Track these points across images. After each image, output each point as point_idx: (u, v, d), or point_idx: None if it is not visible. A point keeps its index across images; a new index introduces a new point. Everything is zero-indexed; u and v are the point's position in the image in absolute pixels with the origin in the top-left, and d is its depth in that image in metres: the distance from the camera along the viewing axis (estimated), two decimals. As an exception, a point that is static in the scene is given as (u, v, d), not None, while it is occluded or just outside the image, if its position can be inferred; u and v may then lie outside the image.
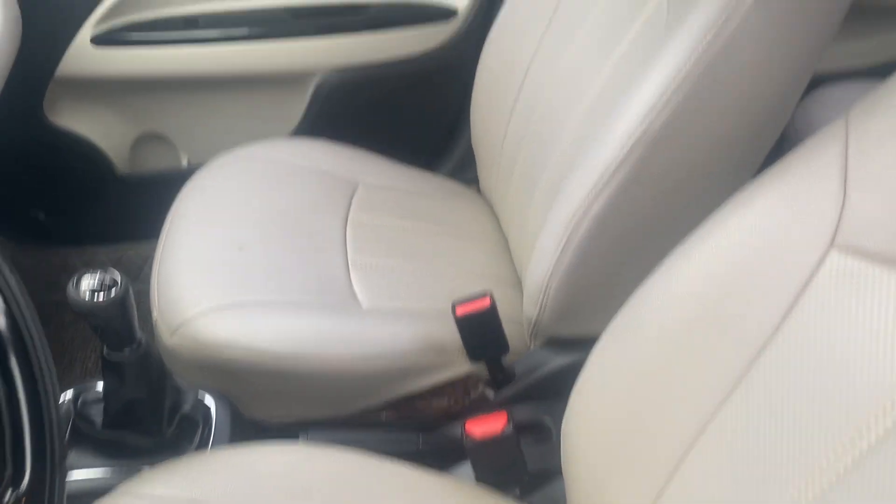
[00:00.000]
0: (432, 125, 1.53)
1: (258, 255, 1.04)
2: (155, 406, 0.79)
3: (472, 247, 1.19)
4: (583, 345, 0.72)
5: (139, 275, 1.59)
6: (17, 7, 1.21)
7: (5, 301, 0.49)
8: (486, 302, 0.91)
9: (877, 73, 1.52)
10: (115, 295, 0.70)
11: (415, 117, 1.52)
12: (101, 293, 0.70)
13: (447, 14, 1.40)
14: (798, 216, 0.50)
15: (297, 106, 1.45)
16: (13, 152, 1.37)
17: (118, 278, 0.71)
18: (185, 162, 1.53)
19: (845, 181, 0.48)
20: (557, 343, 0.95)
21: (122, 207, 1.52)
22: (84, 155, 1.44)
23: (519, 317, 0.98)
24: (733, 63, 0.75)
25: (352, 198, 1.20)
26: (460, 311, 0.92)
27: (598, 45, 0.98)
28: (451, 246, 1.17)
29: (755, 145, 0.83)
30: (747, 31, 0.74)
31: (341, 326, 0.95)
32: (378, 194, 1.23)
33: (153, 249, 1.56)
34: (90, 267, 0.74)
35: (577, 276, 0.85)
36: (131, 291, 0.72)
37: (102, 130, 1.45)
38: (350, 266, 1.07)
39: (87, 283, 0.70)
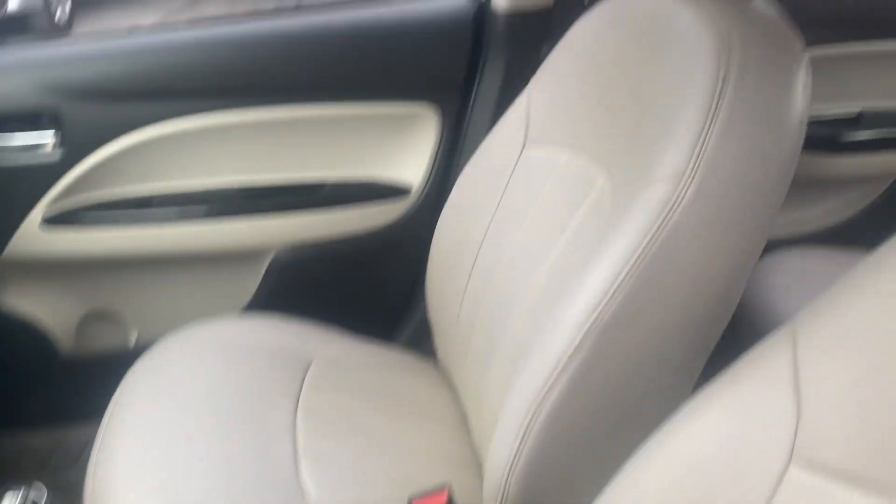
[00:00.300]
0: (388, 297, 1.53)
1: (202, 448, 0.98)
2: None
3: (429, 426, 1.15)
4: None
5: (79, 458, 1.50)
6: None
7: None
8: (443, 497, 0.87)
9: (819, 237, 1.60)
10: (37, 515, 0.64)
11: (370, 290, 1.52)
12: (24, 514, 0.64)
13: (401, 191, 1.43)
14: (755, 429, 0.48)
15: (251, 282, 1.45)
16: None
17: (44, 496, 0.66)
18: (133, 339, 1.49)
19: (798, 394, 0.47)
20: None
21: (65, 389, 1.46)
22: (27, 336, 1.40)
23: (479, 502, 0.93)
24: (679, 251, 0.77)
25: (304, 377, 1.17)
26: (416, 506, 0.87)
27: (546, 228, 1.00)
28: (408, 427, 1.13)
29: (709, 325, 0.84)
30: (690, 221, 0.76)
31: None
32: (332, 371, 1.20)
33: (94, 433, 1.50)
34: (19, 480, 0.69)
35: (538, 469, 0.82)
36: None
37: (48, 310, 1.42)
38: (300, 456, 1.01)
39: (10, 500, 0.65)
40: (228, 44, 1.33)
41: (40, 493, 0.65)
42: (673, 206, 0.76)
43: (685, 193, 0.76)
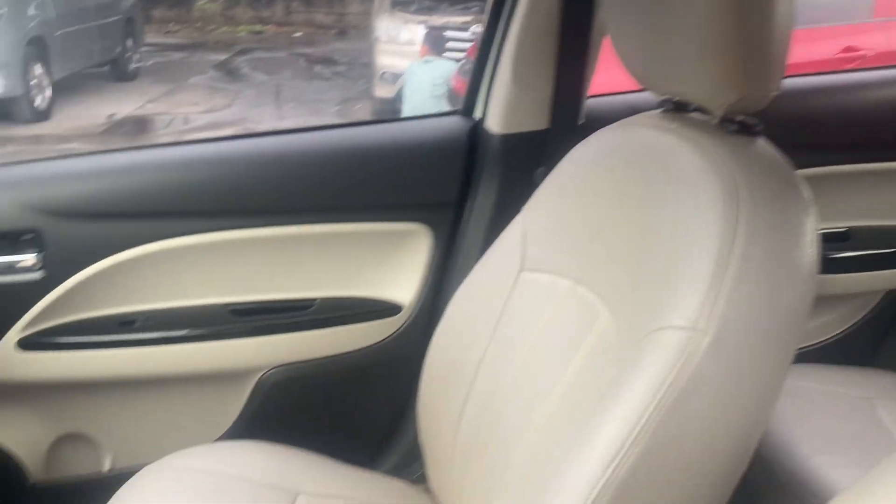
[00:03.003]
0: (376, 419, 1.48)
1: None
2: None
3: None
4: None
5: None
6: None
7: None
8: None
9: (812, 354, 1.58)
10: None
11: (357, 412, 1.47)
12: None
13: (392, 310, 1.40)
14: None
15: (235, 404, 1.39)
16: None
17: None
18: (107, 465, 1.41)
19: None
20: None
21: (32, 519, 1.37)
22: (-7, 463, 1.32)
23: None
24: (696, 403, 0.74)
25: (291, 514, 1.11)
26: None
27: (548, 359, 0.97)
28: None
29: (728, 475, 0.81)
30: (707, 373, 0.74)
31: None
32: (321, 506, 1.14)
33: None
34: None
35: None
36: None
37: (17, 434, 1.34)
38: None
39: None
40: (218, 162, 1.32)
41: None
42: (689, 356, 0.73)
43: (700, 344, 0.74)
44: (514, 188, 1.31)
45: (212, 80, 8.18)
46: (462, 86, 4.61)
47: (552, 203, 1.08)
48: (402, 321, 1.41)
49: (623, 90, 1.42)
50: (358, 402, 1.46)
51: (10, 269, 1.24)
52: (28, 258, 1.24)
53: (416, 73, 5.36)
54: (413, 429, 1.28)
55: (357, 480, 1.23)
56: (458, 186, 1.38)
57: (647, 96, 1.41)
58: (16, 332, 1.26)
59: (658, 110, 0.99)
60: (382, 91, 6.23)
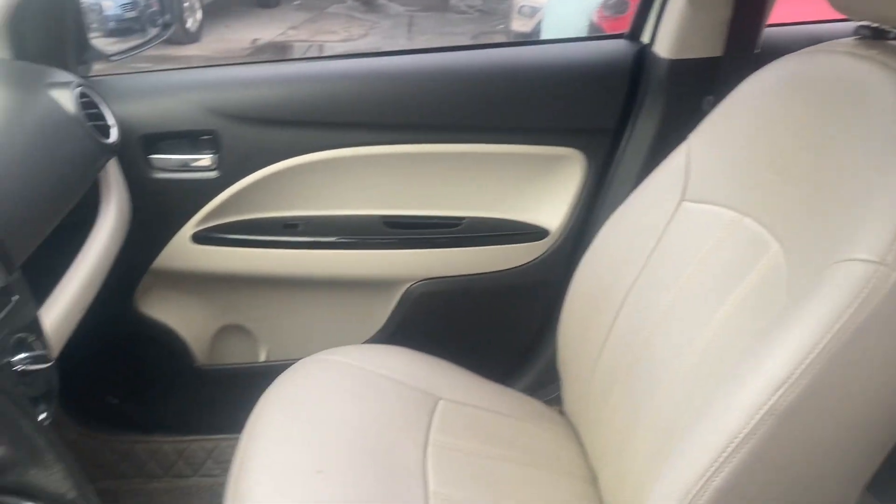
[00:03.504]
0: (515, 339, 1.51)
1: (336, 484, 0.98)
2: None
3: (559, 482, 1.11)
4: None
5: (200, 469, 1.54)
6: (129, 203, 1.27)
7: None
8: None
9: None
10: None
11: (498, 330, 1.50)
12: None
13: (539, 234, 1.41)
14: None
15: (382, 312, 1.45)
16: (98, 338, 1.38)
17: None
18: (262, 356, 1.53)
19: None
20: None
21: (194, 399, 1.50)
22: (165, 344, 1.45)
23: None
24: (873, 342, 0.71)
25: (433, 415, 1.16)
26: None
27: (705, 292, 0.95)
28: (536, 479, 1.10)
29: (887, 427, 0.78)
30: (889, 310, 0.70)
31: None
32: (460, 413, 1.18)
33: (219, 443, 1.54)
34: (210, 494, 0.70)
35: None
36: None
37: (186, 321, 1.47)
38: (430, 497, 1.00)
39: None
40: (384, 77, 1.35)
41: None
42: (871, 291, 0.70)
43: (887, 280, 0.70)
44: (679, 116, 1.27)
45: (350, 9, 8.28)
46: (604, 21, 4.45)
47: (722, 132, 1.05)
48: (548, 245, 1.41)
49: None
50: (498, 321, 1.49)
51: (190, 166, 1.34)
52: (205, 158, 1.33)
53: (556, 6, 5.20)
54: (551, 351, 1.30)
55: (494, 394, 1.27)
56: (618, 112, 1.36)
57: (831, 28, 1.33)
58: (191, 227, 1.36)
59: (851, 38, 0.93)
60: (520, 25, 6.11)
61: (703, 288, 0.96)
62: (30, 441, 0.43)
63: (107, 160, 1.17)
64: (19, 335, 0.69)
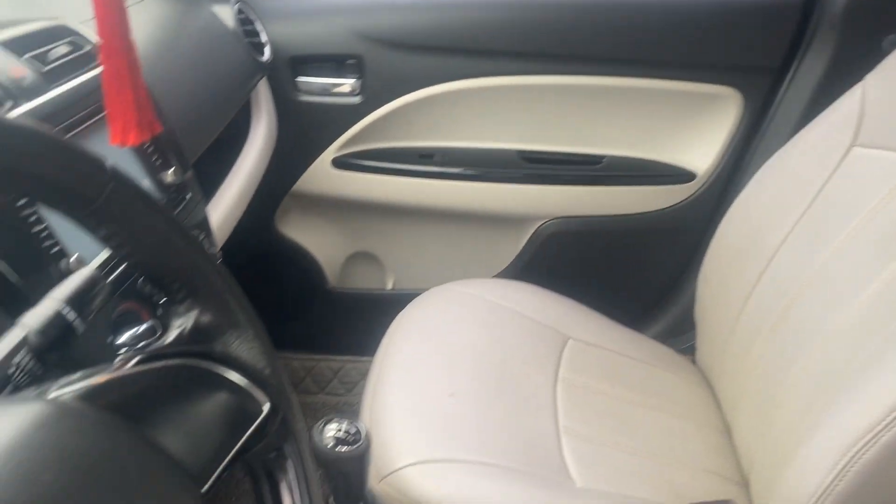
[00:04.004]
0: (648, 285, 1.46)
1: (468, 407, 0.99)
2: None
3: (690, 431, 1.08)
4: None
5: (326, 387, 1.60)
6: (276, 127, 1.30)
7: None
8: (727, 513, 0.81)
9: None
10: (357, 448, 0.67)
11: (630, 275, 1.46)
12: (344, 445, 0.67)
13: (685, 177, 1.35)
14: None
15: (511, 248, 1.44)
16: (240, 255, 1.44)
17: (362, 431, 0.68)
18: (390, 284, 1.55)
19: None
20: None
21: (324, 320, 1.55)
22: (301, 265, 1.50)
23: None
24: None
25: (562, 353, 1.15)
26: (697, 516, 0.81)
27: (872, 246, 0.88)
28: (667, 426, 1.08)
29: None
30: None
31: None
32: (589, 353, 1.17)
33: (344, 364, 1.59)
34: (335, 412, 0.72)
35: None
36: (371, 448, 0.68)
37: (321, 244, 1.51)
38: (561, 433, 0.99)
39: (332, 430, 0.68)
40: (536, 4, 1.31)
41: (360, 427, 0.68)
42: None
43: None
44: (852, 57, 1.17)
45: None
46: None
47: None
48: (694, 189, 1.35)
49: None
50: (633, 265, 1.45)
51: (335, 91, 1.35)
52: (349, 82, 1.34)
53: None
54: (687, 300, 1.26)
55: (624, 337, 1.24)
56: (784, 50, 1.26)
57: None
58: (332, 151, 1.38)
59: None
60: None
61: (871, 240, 0.89)
62: (232, 314, 0.45)
63: (260, 77, 1.20)
64: (193, 231, 0.72)
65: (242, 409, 0.42)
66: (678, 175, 1.36)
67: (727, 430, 1.08)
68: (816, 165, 1.01)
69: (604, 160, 1.37)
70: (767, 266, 1.04)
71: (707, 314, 1.19)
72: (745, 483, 0.99)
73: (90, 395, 0.36)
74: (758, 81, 1.29)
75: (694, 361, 1.25)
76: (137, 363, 0.40)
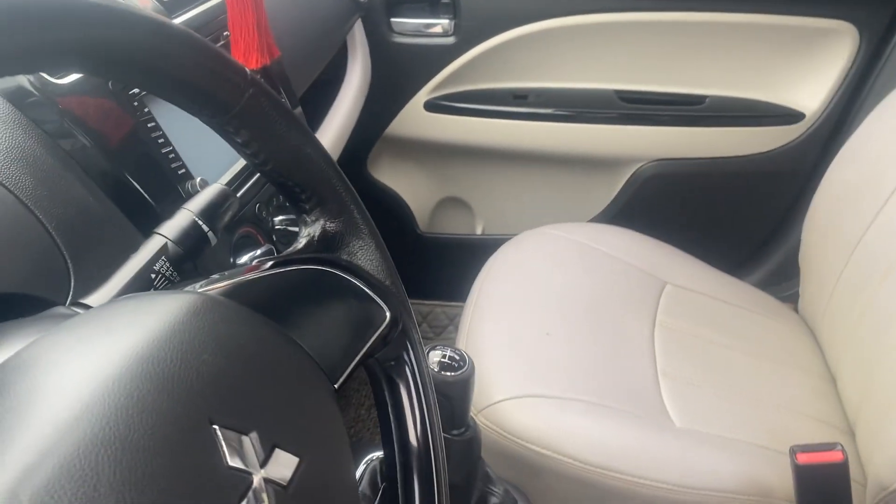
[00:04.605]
0: (749, 231, 1.41)
1: (565, 346, 0.99)
2: (467, 494, 0.76)
3: (792, 377, 1.05)
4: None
5: (419, 330, 1.62)
6: (370, 69, 1.30)
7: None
8: (837, 455, 0.78)
9: None
10: (462, 373, 0.68)
11: (731, 220, 1.41)
12: (450, 371, 0.68)
13: (793, 117, 1.29)
14: None
15: (606, 192, 1.41)
16: None
17: (466, 358, 0.69)
18: (479, 230, 1.55)
19: None
20: None
21: (416, 264, 1.57)
22: (393, 210, 1.51)
23: (854, 474, 0.83)
24: None
25: (659, 297, 1.13)
26: (803, 458, 0.79)
27: None
28: (768, 371, 1.05)
29: None
30: None
31: (655, 446, 0.86)
32: (688, 298, 1.14)
33: (433, 308, 1.61)
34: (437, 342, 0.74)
35: None
36: (475, 375, 0.69)
37: (412, 189, 1.52)
38: (660, 375, 0.98)
39: (437, 356, 0.69)
40: None
41: (463, 355, 0.69)
42: None
43: None
44: None
45: None
46: None
47: None
48: (803, 130, 1.29)
49: None
50: (736, 210, 1.40)
51: (428, 32, 1.34)
52: (443, 23, 1.33)
53: None
54: (791, 246, 1.21)
55: (724, 284, 1.21)
56: None
57: None
58: (424, 94, 1.38)
59: None
60: None
61: None
62: (357, 225, 0.46)
63: (357, 17, 1.20)
64: None
65: (367, 315, 0.43)
66: (785, 115, 1.29)
67: (832, 379, 1.05)
68: None
69: (706, 100, 1.32)
70: (879, 213, 0.98)
71: (812, 262, 1.15)
72: (850, 432, 0.96)
73: (231, 293, 0.38)
74: (876, 14, 1.20)
75: (797, 310, 1.20)
76: (271, 267, 0.41)
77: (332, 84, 1.20)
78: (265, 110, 0.39)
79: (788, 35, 1.25)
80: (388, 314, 0.44)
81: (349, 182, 0.45)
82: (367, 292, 0.44)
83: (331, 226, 0.45)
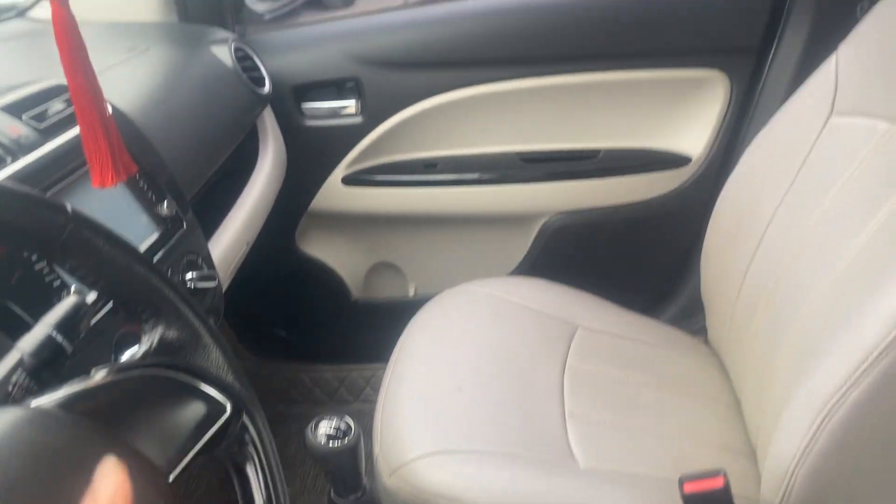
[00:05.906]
0: (656, 271, 1.49)
1: (474, 399, 1.04)
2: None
3: (699, 407, 1.11)
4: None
5: (360, 395, 1.67)
6: (285, 152, 1.38)
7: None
8: (719, 482, 0.83)
9: None
10: (348, 443, 0.73)
11: (639, 262, 1.49)
12: (336, 440, 0.73)
13: (681, 161, 1.38)
14: None
15: (521, 245, 1.48)
16: (267, 276, 1.52)
17: (352, 426, 0.74)
18: (412, 292, 1.61)
19: None
20: None
21: (352, 330, 1.62)
22: (325, 280, 1.57)
23: (752, 495, 0.89)
24: None
25: (570, 342, 1.18)
26: (689, 488, 0.84)
27: (853, 207, 0.90)
28: (676, 404, 1.10)
29: None
30: None
31: (560, 489, 0.91)
32: (598, 340, 1.20)
33: (375, 372, 1.66)
34: (325, 414, 0.78)
35: (830, 466, 0.76)
36: (362, 441, 0.74)
37: (342, 259, 1.58)
38: (567, 417, 1.03)
39: (324, 428, 0.74)
40: (518, 11, 1.36)
41: (349, 423, 0.74)
42: None
43: None
44: (828, 28, 1.19)
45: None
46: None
47: (876, 39, 0.97)
48: (690, 173, 1.38)
49: None
50: (639, 252, 1.48)
51: (338, 114, 1.42)
52: (350, 104, 1.41)
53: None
54: (695, 281, 1.28)
55: (635, 323, 1.27)
56: (763, 29, 1.28)
57: None
58: (341, 170, 1.45)
59: None
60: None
61: (852, 202, 0.91)
62: (193, 328, 0.51)
63: (262, 108, 1.27)
64: (189, 256, 0.79)
65: (206, 410, 0.48)
66: (674, 160, 1.38)
67: (737, 404, 1.10)
68: (799, 138, 1.03)
69: (600, 153, 1.41)
70: (761, 239, 1.06)
71: (712, 293, 1.21)
72: (751, 455, 1.01)
73: (66, 403, 0.43)
74: (741, 61, 1.31)
75: (706, 341, 1.26)
76: (110, 374, 0.46)
77: (245, 170, 1.27)
78: (87, 240, 0.45)
79: (669, 87, 1.35)
80: (228, 407, 0.49)
81: (186, 292, 0.50)
82: (203, 390, 0.48)
83: (169, 333, 0.50)
